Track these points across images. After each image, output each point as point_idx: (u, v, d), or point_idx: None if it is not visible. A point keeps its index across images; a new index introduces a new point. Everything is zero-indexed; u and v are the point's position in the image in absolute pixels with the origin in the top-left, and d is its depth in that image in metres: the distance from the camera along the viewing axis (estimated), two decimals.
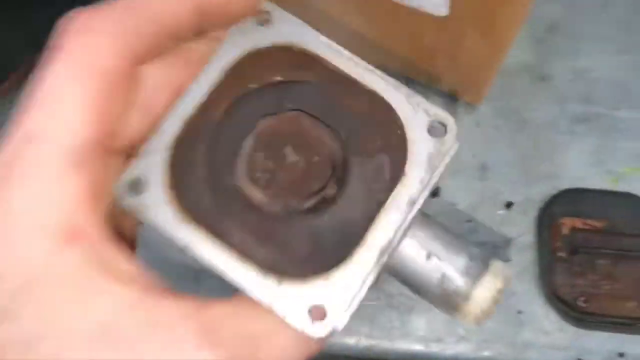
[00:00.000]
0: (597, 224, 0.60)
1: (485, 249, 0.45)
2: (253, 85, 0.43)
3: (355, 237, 0.41)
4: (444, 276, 0.39)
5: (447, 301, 0.39)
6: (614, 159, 0.62)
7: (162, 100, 0.37)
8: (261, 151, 0.45)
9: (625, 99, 0.65)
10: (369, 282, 0.38)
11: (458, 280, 0.39)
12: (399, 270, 0.41)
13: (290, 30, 0.44)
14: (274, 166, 0.45)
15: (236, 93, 0.43)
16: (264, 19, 0.44)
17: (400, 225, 0.40)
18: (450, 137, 0.43)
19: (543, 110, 0.64)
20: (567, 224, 0.61)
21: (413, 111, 0.44)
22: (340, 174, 0.45)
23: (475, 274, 0.39)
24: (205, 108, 0.45)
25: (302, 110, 0.44)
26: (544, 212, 0.61)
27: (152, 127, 0.38)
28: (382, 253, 0.39)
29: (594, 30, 0.70)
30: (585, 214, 0.60)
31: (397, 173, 0.43)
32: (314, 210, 0.43)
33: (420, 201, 0.41)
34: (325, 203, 0.43)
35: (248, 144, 0.45)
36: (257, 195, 0.43)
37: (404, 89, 0.44)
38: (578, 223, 0.60)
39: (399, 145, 0.44)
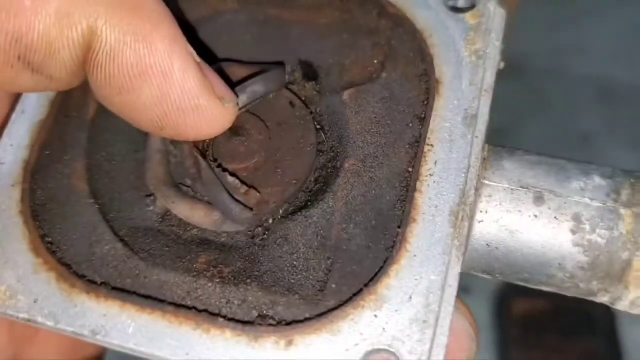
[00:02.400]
0: (545, 302, 0.67)
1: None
2: None
3: (390, 213, 0.32)
4: (577, 220, 0.30)
5: (598, 268, 0.30)
6: None
7: None
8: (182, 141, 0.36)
9: None
10: (454, 276, 0.31)
11: (605, 217, 0.29)
12: (495, 248, 0.33)
13: None
14: (213, 156, 0.36)
15: None
16: None
17: (468, 160, 0.31)
18: (485, 2, 0.35)
19: None
20: (519, 303, 0.67)
21: None
22: (328, 128, 0.36)
23: (629, 198, 0.29)
24: (64, 107, 0.37)
25: (229, 60, 0.36)
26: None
27: None
28: (456, 216, 0.31)
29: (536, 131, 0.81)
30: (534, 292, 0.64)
31: (422, 90, 0.35)
32: (307, 202, 0.34)
33: (485, 112, 0.33)
34: (322, 183, 0.35)
35: (155, 138, 0.37)
36: (200, 212, 0.35)
37: None
38: (528, 302, 0.65)
39: (408, 47, 0.36)
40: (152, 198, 0.36)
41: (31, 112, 0.38)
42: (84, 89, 0.38)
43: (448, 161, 0.33)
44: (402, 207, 0.33)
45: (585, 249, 0.33)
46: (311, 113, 0.37)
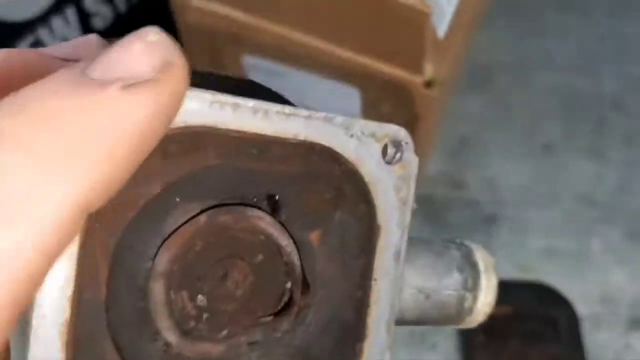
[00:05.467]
0: (509, 307, 0.70)
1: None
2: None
3: (348, 330, 0.35)
4: (442, 306, 0.38)
5: (453, 321, 0.38)
6: (521, 254, 0.71)
7: None
8: (181, 288, 0.35)
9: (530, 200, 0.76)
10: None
11: (459, 301, 0.37)
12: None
13: None
14: (210, 300, 0.32)
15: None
16: None
17: (395, 287, 0.39)
18: (408, 153, 0.38)
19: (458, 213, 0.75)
20: None
21: (358, 143, 0.36)
22: (299, 263, 0.36)
23: (472, 285, 0.36)
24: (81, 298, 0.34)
25: (215, 206, 0.34)
26: None
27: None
28: (388, 327, 0.37)
29: (499, 141, 0.87)
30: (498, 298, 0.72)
31: (367, 228, 0.39)
32: (285, 330, 0.35)
33: (404, 247, 0.38)
34: (293, 314, 0.35)
35: (156, 286, 0.32)
36: (201, 348, 0.35)
37: (339, 119, 0.36)
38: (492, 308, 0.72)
39: (357, 192, 0.39)
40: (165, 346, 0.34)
41: (52, 314, 0.31)
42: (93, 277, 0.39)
43: (384, 290, 0.39)
44: (356, 326, 0.37)
45: None
46: (280, 250, 0.37)
